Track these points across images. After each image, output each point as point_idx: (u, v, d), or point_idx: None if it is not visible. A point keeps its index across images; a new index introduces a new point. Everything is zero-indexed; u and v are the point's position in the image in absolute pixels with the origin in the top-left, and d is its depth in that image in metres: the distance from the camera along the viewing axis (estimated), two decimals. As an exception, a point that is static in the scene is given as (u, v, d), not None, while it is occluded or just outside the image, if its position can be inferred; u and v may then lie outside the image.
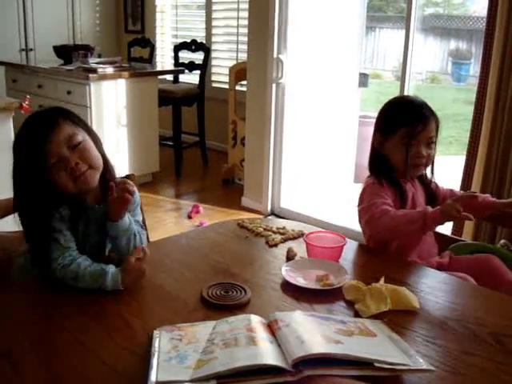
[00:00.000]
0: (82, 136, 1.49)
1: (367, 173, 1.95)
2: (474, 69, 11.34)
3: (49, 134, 1.43)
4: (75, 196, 1.51)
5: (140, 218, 1.70)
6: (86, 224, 1.56)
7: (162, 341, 1.16)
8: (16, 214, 1.50)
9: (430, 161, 1.89)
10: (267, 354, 1.04)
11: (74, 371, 1.10)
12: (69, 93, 4.65)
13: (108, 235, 1.56)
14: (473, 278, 1.71)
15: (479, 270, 1.78)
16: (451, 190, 2.04)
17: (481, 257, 1.87)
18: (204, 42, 5.77)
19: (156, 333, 1.20)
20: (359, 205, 1.88)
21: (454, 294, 1.51)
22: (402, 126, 1.83)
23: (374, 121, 1.95)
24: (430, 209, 1.68)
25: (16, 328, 1.27)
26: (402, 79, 3.69)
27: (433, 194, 1.98)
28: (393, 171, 1.88)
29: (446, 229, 3.00)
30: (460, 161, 3.29)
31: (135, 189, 1.55)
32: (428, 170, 1.96)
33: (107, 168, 1.58)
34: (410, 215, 1.71)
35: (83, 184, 1.48)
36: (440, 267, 1.82)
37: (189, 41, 5.63)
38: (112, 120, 4.66)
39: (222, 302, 1.38)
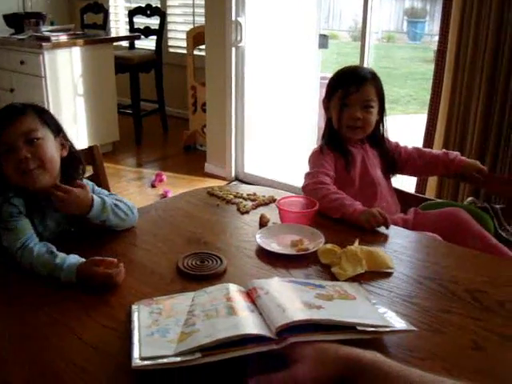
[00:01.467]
0: (43, 134, 1.49)
1: None
2: (429, 27, 11.41)
3: (9, 122, 1.45)
4: (25, 189, 1.49)
5: (106, 192, 1.68)
6: (41, 216, 1.53)
7: (141, 315, 1.14)
8: None
9: (367, 125, 1.93)
10: (249, 324, 1.03)
11: (55, 353, 1.08)
12: (22, 63, 4.50)
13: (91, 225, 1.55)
14: (440, 232, 1.74)
15: (447, 224, 1.82)
16: (418, 149, 2.06)
17: (447, 210, 1.90)
18: (159, 6, 5.63)
19: (134, 307, 1.18)
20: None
21: (427, 253, 1.52)
22: (339, 88, 1.93)
23: None
24: (350, 207, 1.68)
25: (-12, 310, 1.24)
26: (362, 39, 3.67)
27: (388, 155, 2.03)
28: (339, 136, 1.96)
29: (409, 187, 3.04)
30: (419, 119, 3.32)
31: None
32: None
33: (76, 167, 1.60)
34: (332, 204, 1.72)
35: (29, 181, 1.47)
36: (405, 224, 1.84)
37: (143, 5, 5.49)
38: (68, 90, 4.55)
39: (199, 272, 1.37)
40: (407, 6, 11.92)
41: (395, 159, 2.04)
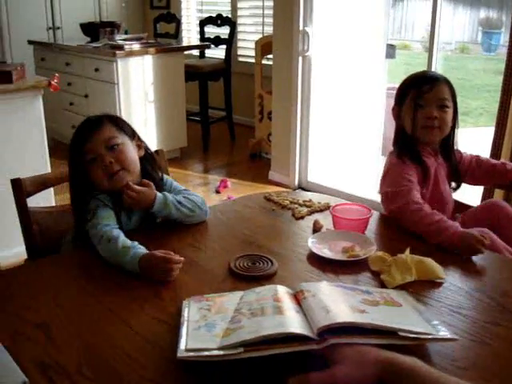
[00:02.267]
0: (121, 140, 1.64)
1: None
2: (505, 38, 11.09)
3: (90, 134, 1.60)
4: (114, 191, 1.63)
5: (181, 188, 1.80)
6: (128, 215, 1.67)
7: (191, 310, 1.19)
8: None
9: (444, 125, 1.84)
10: (293, 323, 1.06)
11: (107, 340, 1.14)
12: (96, 70, 4.69)
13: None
14: (486, 225, 1.73)
15: (491, 216, 1.83)
16: (477, 158, 2.01)
17: (487, 204, 1.92)
18: (229, 16, 5.74)
19: (185, 303, 1.23)
20: (382, 184, 1.88)
21: (479, 265, 1.50)
22: (410, 90, 1.85)
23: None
24: (452, 229, 1.59)
25: (51, 299, 1.31)
26: (430, 50, 3.64)
27: (456, 168, 1.95)
28: (414, 144, 1.86)
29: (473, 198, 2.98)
30: (490, 132, 3.25)
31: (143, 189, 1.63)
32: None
33: (153, 165, 1.76)
34: (429, 228, 1.63)
35: (116, 182, 1.61)
36: None
37: (214, 15, 5.61)
38: (139, 96, 4.70)
39: (250, 273, 1.40)
40: (482, 16, 11.65)
41: (461, 172, 1.97)
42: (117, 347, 1.11)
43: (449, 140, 1.92)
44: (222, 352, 1.00)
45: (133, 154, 1.66)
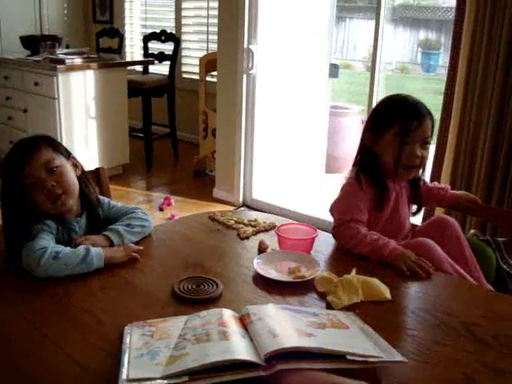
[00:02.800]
0: (59, 161, 1.61)
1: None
2: (443, 59, 11.45)
3: (29, 157, 1.56)
4: (55, 214, 1.62)
5: (118, 205, 1.80)
6: (68, 234, 1.64)
7: (133, 337, 1.15)
8: None
9: (423, 163, 1.79)
10: (239, 349, 1.03)
11: (45, 370, 1.09)
12: (36, 84, 4.56)
13: None
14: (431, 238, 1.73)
15: (438, 232, 1.82)
16: (439, 190, 2.00)
17: (434, 220, 1.91)
18: (174, 32, 5.71)
19: (127, 329, 1.19)
20: (334, 206, 1.86)
21: (424, 284, 1.51)
22: (397, 123, 1.73)
23: (366, 118, 1.90)
24: (390, 247, 1.62)
25: (-18, 326, 1.24)
26: (372, 69, 3.70)
27: (419, 191, 1.93)
28: (381, 171, 1.80)
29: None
30: (431, 149, 3.31)
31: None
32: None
33: (88, 185, 1.74)
34: (366, 249, 1.64)
35: (60, 206, 1.60)
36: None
37: (158, 31, 5.57)
38: (81, 112, 4.59)
39: (194, 296, 1.36)
40: (422, 37, 11.99)
41: (422, 195, 1.94)
42: (56, 378, 1.06)
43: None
44: (165, 381, 0.96)
45: (72, 175, 1.65)
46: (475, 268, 1.73)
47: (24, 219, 1.57)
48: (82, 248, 1.50)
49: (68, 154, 1.68)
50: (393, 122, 1.74)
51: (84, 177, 1.72)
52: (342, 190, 1.84)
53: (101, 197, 1.80)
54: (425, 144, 1.76)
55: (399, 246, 1.64)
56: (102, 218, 1.72)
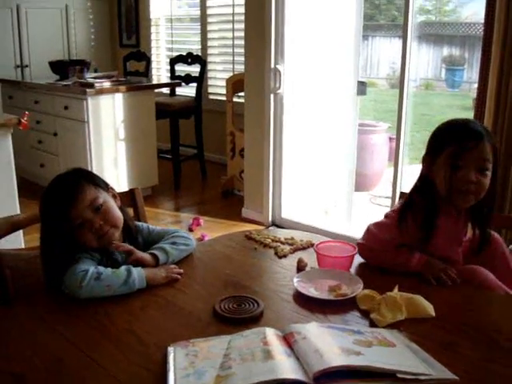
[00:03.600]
0: (103, 198, 1.61)
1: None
2: (467, 74, 11.40)
3: (73, 199, 1.55)
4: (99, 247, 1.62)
5: (158, 229, 1.80)
6: (111, 265, 1.61)
7: (177, 357, 1.14)
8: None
9: (481, 190, 1.61)
10: (286, 368, 1.02)
11: (91, 392, 1.08)
12: (66, 108, 4.63)
13: None
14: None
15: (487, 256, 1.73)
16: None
17: (466, 268, 1.67)
18: (200, 54, 5.77)
19: (170, 349, 1.18)
20: (377, 221, 1.76)
21: (468, 301, 1.48)
22: (450, 144, 1.61)
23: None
24: (418, 256, 1.61)
25: (27, 347, 1.24)
26: (401, 86, 3.68)
27: (485, 233, 1.72)
28: (435, 201, 1.66)
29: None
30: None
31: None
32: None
33: (127, 215, 1.73)
34: (400, 258, 1.63)
35: (106, 241, 1.59)
36: None
37: (184, 54, 5.63)
38: (110, 134, 4.65)
39: (236, 315, 1.35)
40: (445, 53, 11.95)
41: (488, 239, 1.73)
42: (102, 399, 1.05)
43: (484, 203, 1.68)
44: (214, 401, 0.95)
45: (116, 209, 1.64)
46: None
47: (67, 253, 1.56)
48: (123, 269, 1.50)
49: (106, 186, 1.68)
50: (446, 143, 1.62)
51: (122, 205, 1.72)
52: (387, 214, 1.76)
53: (139, 223, 1.80)
54: (482, 170, 1.60)
55: (425, 255, 1.62)
56: (142, 243, 1.71)
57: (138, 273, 1.50)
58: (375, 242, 1.68)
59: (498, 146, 1.66)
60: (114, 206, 1.64)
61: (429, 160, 1.69)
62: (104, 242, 1.59)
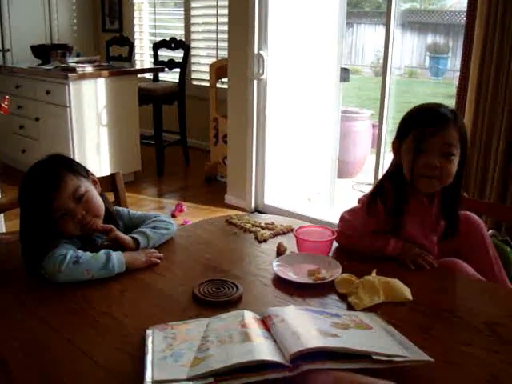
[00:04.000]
0: (84, 186, 1.59)
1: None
2: (451, 63, 11.44)
3: (55, 190, 1.52)
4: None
5: (139, 213, 1.79)
6: (90, 250, 1.60)
7: (155, 340, 1.14)
8: None
9: (446, 176, 1.60)
10: (264, 350, 1.03)
11: (68, 374, 1.08)
12: (48, 93, 4.59)
13: None
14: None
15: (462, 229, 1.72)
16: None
17: (445, 261, 1.66)
18: (183, 39, 5.73)
19: (148, 332, 1.18)
20: (350, 208, 1.77)
21: (445, 285, 1.50)
22: (414, 129, 1.60)
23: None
24: (394, 241, 1.62)
25: (6, 331, 1.24)
26: (384, 74, 3.69)
27: (456, 221, 1.68)
28: (405, 187, 1.65)
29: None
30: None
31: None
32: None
33: (107, 200, 1.73)
34: (369, 250, 1.65)
35: (89, 230, 1.60)
36: None
37: (168, 39, 5.59)
38: (92, 119, 4.62)
39: (214, 298, 1.36)
40: (429, 41, 11.98)
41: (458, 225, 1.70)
42: (78, 381, 1.06)
43: (453, 189, 1.66)
44: (191, 383, 0.96)
45: (98, 197, 1.63)
46: (499, 268, 1.70)
47: (46, 239, 1.54)
48: (102, 253, 1.49)
49: (87, 173, 1.66)
50: (411, 127, 1.62)
51: (102, 192, 1.71)
52: (358, 201, 1.78)
53: (119, 208, 1.80)
54: (446, 155, 1.58)
55: (400, 240, 1.64)
56: (123, 229, 1.71)
57: (117, 257, 1.50)
58: (350, 228, 1.70)
59: (465, 131, 1.63)
60: (95, 195, 1.62)
61: (397, 144, 1.68)
62: (87, 231, 1.59)
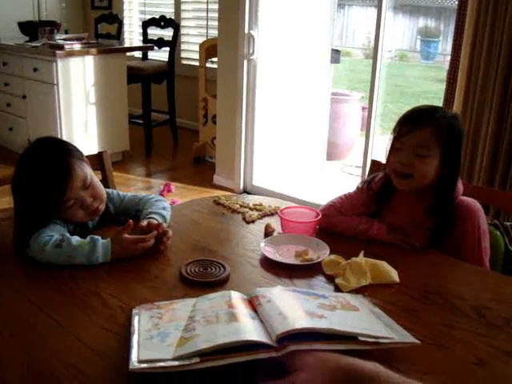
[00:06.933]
0: (89, 174, 1.58)
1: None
2: (442, 47, 11.43)
3: (67, 180, 1.51)
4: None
5: (129, 195, 1.78)
6: (80, 232, 1.59)
7: (141, 319, 1.14)
8: None
9: (419, 175, 1.59)
10: (250, 330, 1.02)
11: (53, 353, 1.08)
12: (35, 70, 4.53)
13: None
14: None
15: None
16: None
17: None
18: (173, 18, 5.67)
19: (135, 311, 1.18)
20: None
21: (432, 268, 1.51)
22: (397, 127, 1.66)
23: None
24: (372, 231, 1.65)
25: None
26: (374, 57, 3.67)
27: (439, 231, 1.65)
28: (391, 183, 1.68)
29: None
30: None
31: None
32: None
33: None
34: (361, 226, 1.66)
35: (96, 215, 1.61)
36: None
37: (157, 17, 5.53)
38: (80, 98, 4.57)
39: (201, 278, 1.36)
40: (421, 25, 11.95)
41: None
42: (64, 361, 1.05)
43: (444, 194, 1.64)
44: (176, 362, 0.95)
45: (98, 181, 1.63)
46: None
47: (42, 220, 1.54)
48: (87, 242, 1.45)
49: (82, 156, 1.62)
50: (396, 126, 1.66)
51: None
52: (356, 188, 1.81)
53: (109, 190, 1.76)
54: (419, 155, 1.58)
55: (383, 224, 1.65)
56: (113, 211, 1.70)
57: (104, 246, 1.45)
58: (333, 210, 1.72)
59: (453, 134, 1.61)
60: (97, 179, 1.62)
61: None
62: (93, 217, 1.61)
